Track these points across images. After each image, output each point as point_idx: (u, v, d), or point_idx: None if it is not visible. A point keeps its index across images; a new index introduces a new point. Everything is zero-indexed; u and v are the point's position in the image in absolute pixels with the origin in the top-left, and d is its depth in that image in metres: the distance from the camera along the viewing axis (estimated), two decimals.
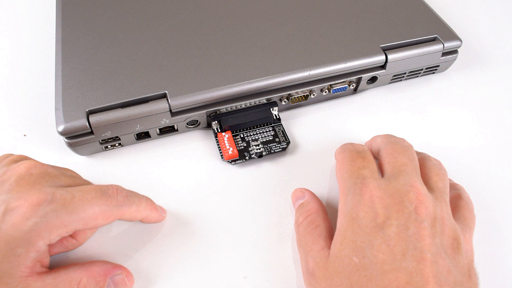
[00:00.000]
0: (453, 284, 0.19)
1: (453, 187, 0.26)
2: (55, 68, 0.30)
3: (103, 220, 0.22)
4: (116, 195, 0.22)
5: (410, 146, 0.25)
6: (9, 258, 0.19)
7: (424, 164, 0.25)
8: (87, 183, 0.24)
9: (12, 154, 0.24)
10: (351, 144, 0.26)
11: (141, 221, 0.25)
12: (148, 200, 0.25)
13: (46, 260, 0.21)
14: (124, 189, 0.23)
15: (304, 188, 0.27)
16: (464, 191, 0.26)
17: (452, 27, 0.34)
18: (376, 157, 0.26)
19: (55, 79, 0.29)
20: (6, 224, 0.19)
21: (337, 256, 0.21)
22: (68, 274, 0.21)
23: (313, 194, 0.26)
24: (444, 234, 0.21)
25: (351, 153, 0.24)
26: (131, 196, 0.23)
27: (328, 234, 0.23)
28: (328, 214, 0.26)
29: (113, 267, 0.23)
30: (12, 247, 0.19)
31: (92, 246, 0.25)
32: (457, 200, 0.25)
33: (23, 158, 0.24)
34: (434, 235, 0.20)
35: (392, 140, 0.25)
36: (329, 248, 0.22)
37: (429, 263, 0.19)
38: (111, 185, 0.23)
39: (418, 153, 0.26)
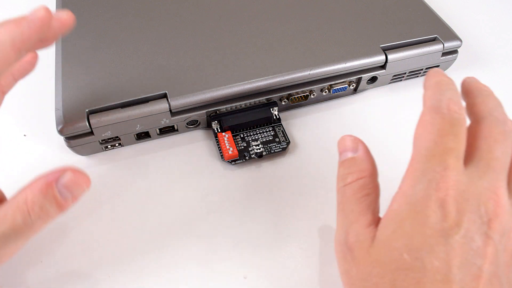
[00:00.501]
0: None
1: None
2: (55, 68, 0.30)
3: None
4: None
5: (510, 133, 0.20)
6: None
7: None
8: None
9: None
10: (449, 100, 0.20)
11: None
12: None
13: None
14: None
15: (356, 138, 0.22)
16: None
17: (452, 27, 0.34)
18: (469, 116, 0.22)
19: (55, 79, 0.29)
20: None
21: (385, 245, 0.18)
22: (12, 200, 0.19)
23: (368, 149, 0.22)
24: (507, 250, 0.19)
25: (443, 121, 0.19)
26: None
27: (376, 205, 0.20)
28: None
29: (55, 172, 0.19)
30: None
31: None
32: None
33: None
34: (498, 252, 0.18)
35: (494, 118, 0.21)
36: (376, 226, 0.19)
37: (483, 283, 0.17)
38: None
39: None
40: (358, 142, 0.22)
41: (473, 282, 0.17)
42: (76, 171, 0.20)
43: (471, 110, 0.22)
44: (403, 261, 0.18)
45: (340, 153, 0.22)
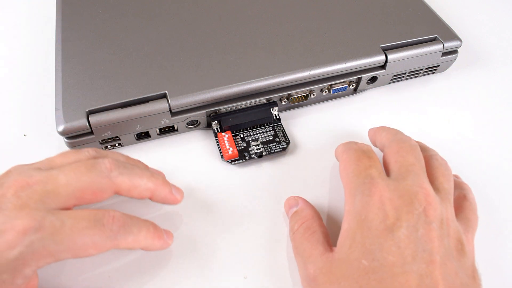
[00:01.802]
0: (460, 286, 0.19)
1: (460, 186, 0.26)
2: (55, 68, 0.30)
3: (95, 251, 0.20)
4: (111, 224, 0.21)
5: (416, 145, 0.24)
6: None
7: (431, 164, 0.24)
8: (76, 174, 0.21)
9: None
10: (355, 143, 0.25)
11: (142, 249, 0.24)
12: (150, 227, 0.23)
13: (35, 282, 0.20)
14: (122, 216, 0.21)
15: (297, 196, 0.26)
16: (470, 191, 0.26)
17: (452, 27, 0.34)
18: (380, 151, 0.26)
19: (55, 79, 0.29)
20: None
21: (345, 260, 0.20)
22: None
23: (306, 201, 0.26)
24: (450, 236, 0.21)
25: (356, 152, 0.24)
26: (128, 225, 0.21)
27: (325, 239, 0.23)
28: (329, 214, 0.26)
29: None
30: None
31: None
32: (462, 201, 0.25)
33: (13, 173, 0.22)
34: (442, 237, 0.20)
35: (398, 138, 0.25)
36: (330, 251, 0.21)
37: (438, 266, 0.19)
38: (108, 212, 0.21)
39: (424, 149, 0.25)
40: (297, 199, 0.26)
41: (429, 267, 0.19)
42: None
43: (380, 144, 0.26)
44: (363, 267, 0.19)
45: (287, 212, 0.26)
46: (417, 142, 0.25)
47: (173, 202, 0.26)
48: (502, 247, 0.26)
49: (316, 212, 0.25)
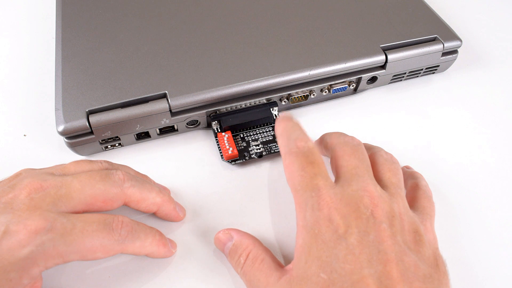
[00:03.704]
0: (422, 277, 0.19)
1: (411, 176, 0.26)
2: (55, 68, 0.30)
3: (103, 254, 0.21)
4: (120, 229, 0.21)
5: (359, 145, 0.24)
6: (1, 282, 0.18)
7: (376, 161, 0.24)
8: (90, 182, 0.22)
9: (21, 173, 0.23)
10: (295, 141, 0.23)
11: (147, 255, 0.24)
12: (156, 235, 0.23)
13: (39, 284, 0.21)
14: (130, 222, 0.22)
15: (226, 229, 0.25)
16: (422, 178, 0.26)
17: (452, 27, 0.34)
18: (326, 154, 0.26)
19: (55, 79, 0.29)
20: (2, 248, 0.19)
21: (303, 277, 0.20)
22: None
23: (239, 231, 0.24)
24: (404, 230, 0.21)
25: (298, 158, 0.23)
26: (136, 231, 0.22)
27: (275, 263, 0.22)
28: None
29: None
30: (6, 270, 0.18)
31: None
32: (415, 190, 0.25)
33: (27, 174, 0.22)
34: (394, 234, 0.20)
35: (341, 141, 0.25)
36: (285, 273, 0.21)
37: (395, 264, 0.19)
38: (117, 217, 0.22)
39: (369, 148, 0.26)
40: (228, 231, 0.24)
41: (386, 267, 0.19)
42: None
43: (325, 147, 0.26)
44: (323, 280, 0.19)
45: (222, 250, 0.24)
46: (359, 141, 0.25)
47: (176, 219, 0.26)
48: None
49: (254, 238, 0.24)
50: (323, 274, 0.19)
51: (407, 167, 0.28)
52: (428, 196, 0.25)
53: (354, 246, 0.20)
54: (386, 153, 0.25)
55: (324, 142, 0.26)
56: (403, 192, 0.23)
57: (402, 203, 0.22)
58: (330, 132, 0.26)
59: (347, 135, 0.25)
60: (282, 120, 0.25)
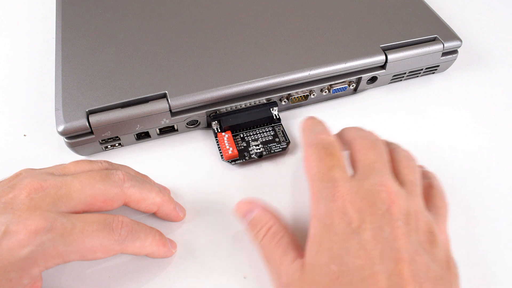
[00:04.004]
0: (433, 279, 0.19)
1: (424, 175, 0.26)
2: (55, 68, 0.30)
3: (103, 254, 0.21)
4: (120, 229, 0.21)
5: (378, 140, 0.24)
6: (1, 282, 0.18)
7: (394, 157, 0.24)
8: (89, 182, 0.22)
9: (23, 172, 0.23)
10: (316, 135, 0.24)
11: (146, 256, 0.24)
12: (156, 235, 0.23)
13: (39, 284, 0.21)
14: (130, 222, 0.22)
15: (249, 200, 0.24)
16: (435, 178, 0.25)
17: (452, 27, 0.34)
18: (345, 148, 0.25)
19: (55, 79, 0.29)
20: (2, 248, 0.19)
21: (314, 266, 0.20)
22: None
23: (262, 204, 0.24)
24: (419, 229, 0.21)
25: (318, 150, 0.23)
26: (136, 231, 0.22)
27: (294, 243, 0.22)
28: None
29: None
30: (6, 270, 0.18)
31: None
32: (429, 190, 0.24)
33: (27, 175, 0.22)
34: (409, 233, 0.20)
35: (360, 135, 0.24)
36: (301, 257, 0.21)
37: (407, 263, 0.19)
38: (117, 217, 0.22)
39: (387, 144, 0.25)
40: (251, 203, 0.24)
41: (397, 265, 0.19)
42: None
43: (344, 142, 0.25)
44: (333, 272, 0.19)
45: (242, 219, 0.24)
46: (377, 136, 0.25)
47: (176, 219, 0.26)
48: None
49: (277, 214, 0.24)
50: (334, 265, 0.19)
51: (420, 166, 0.27)
52: (441, 196, 0.24)
53: (367, 241, 0.19)
54: (404, 150, 0.25)
55: (342, 137, 0.26)
56: (419, 190, 0.23)
57: (418, 201, 0.22)
58: (349, 127, 0.26)
59: (366, 130, 0.25)
60: (308, 118, 0.26)
